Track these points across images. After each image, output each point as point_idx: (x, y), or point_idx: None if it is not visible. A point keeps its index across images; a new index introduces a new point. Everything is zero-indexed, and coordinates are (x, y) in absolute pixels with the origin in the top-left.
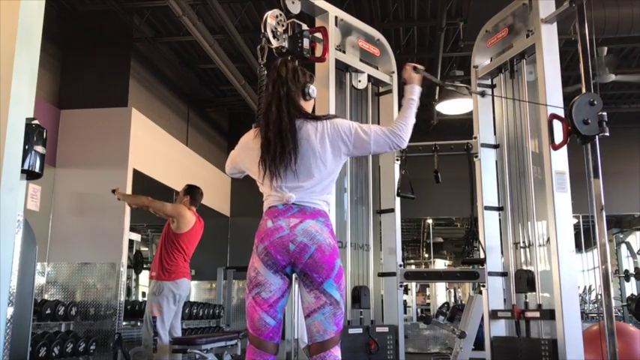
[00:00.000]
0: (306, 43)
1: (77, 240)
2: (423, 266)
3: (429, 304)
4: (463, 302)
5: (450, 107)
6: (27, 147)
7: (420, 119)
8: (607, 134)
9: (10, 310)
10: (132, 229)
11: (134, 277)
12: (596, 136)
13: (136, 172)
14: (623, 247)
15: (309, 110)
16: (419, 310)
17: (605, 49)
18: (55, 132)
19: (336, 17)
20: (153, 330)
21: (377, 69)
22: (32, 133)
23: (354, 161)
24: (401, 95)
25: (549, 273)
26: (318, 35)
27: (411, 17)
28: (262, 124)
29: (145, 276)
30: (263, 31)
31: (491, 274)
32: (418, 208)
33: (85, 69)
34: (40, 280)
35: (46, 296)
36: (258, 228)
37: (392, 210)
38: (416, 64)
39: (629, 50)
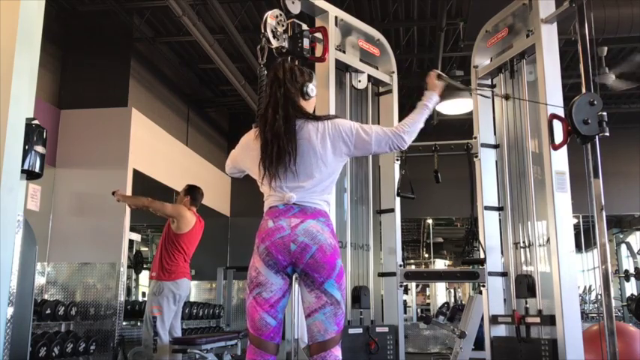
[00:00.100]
0: (306, 43)
1: (77, 240)
2: (423, 266)
3: (429, 304)
4: (463, 302)
5: (450, 107)
6: (27, 147)
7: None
8: (607, 134)
9: (10, 310)
10: (132, 229)
11: (134, 277)
12: (596, 136)
13: (136, 172)
14: (623, 247)
15: (311, 109)
16: (419, 310)
17: (605, 49)
18: (55, 132)
19: (336, 17)
20: (153, 330)
21: (377, 69)
22: (32, 133)
23: (354, 161)
24: (401, 95)
25: (549, 276)
26: (318, 35)
27: (411, 17)
28: (260, 125)
29: (145, 276)
30: (263, 31)
31: (491, 274)
32: (418, 208)
33: (85, 69)
34: (40, 280)
35: (46, 296)
36: (259, 228)
37: (392, 210)
38: (441, 72)
39: (629, 50)
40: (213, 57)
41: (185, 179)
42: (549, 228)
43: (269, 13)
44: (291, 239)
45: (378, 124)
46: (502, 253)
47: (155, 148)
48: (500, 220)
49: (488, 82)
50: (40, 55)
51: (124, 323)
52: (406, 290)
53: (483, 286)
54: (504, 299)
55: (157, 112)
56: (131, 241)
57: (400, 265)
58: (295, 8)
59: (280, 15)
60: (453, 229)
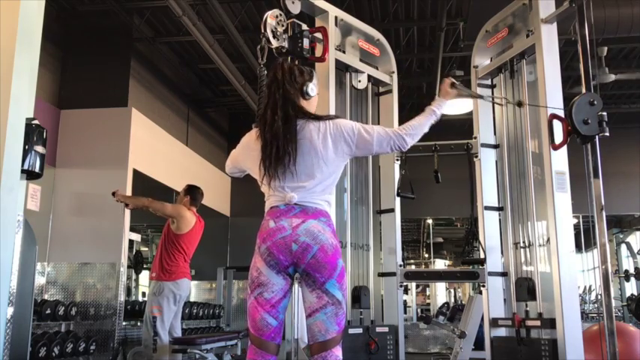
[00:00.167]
0: (306, 43)
1: (77, 240)
2: (423, 266)
3: (429, 304)
4: (463, 302)
5: (449, 107)
6: (27, 147)
7: None
8: (607, 134)
9: (10, 310)
10: (132, 229)
11: (134, 277)
12: (596, 136)
13: (136, 172)
14: (623, 247)
15: (312, 109)
16: (419, 310)
17: (605, 49)
18: (55, 132)
19: (336, 17)
20: (153, 330)
21: (377, 69)
22: (32, 133)
23: (354, 161)
24: (401, 95)
25: (550, 279)
26: (318, 35)
27: (411, 17)
28: (260, 126)
29: (145, 276)
30: (263, 31)
31: (491, 274)
32: (418, 208)
33: (85, 69)
34: (40, 280)
35: (46, 296)
36: (260, 228)
37: (392, 210)
38: (454, 80)
39: (629, 50)
40: (213, 57)
41: (185, 179)
42: (549, 228)
43: (269, 13)
44: (292, 239)
45: (378, 124)
46: (502, 253)
47: (155, 148)
48: (500, 220)
49: (488, 82)
50: (40, 55)
51: (124, 323)
52: (406, 290)
53: (483, 286)
54: (504, 299)
55: (157, 112)
56: (131, 241)
57: (400, 265)
58: (295, 8)
59: (280, 15)
60: (453, 229)
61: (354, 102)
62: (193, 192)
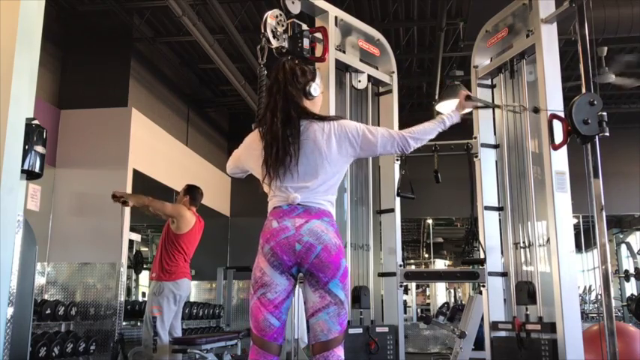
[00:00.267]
0: (306, 43)
1: (77, 240)
2: (423, 266)
3: (429, 304)
4: (463, 302)
5: (449, 107)
6: (27, 147)
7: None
8: (607, 134)
9: (10, 310)
10: (132, 229)
11: (134, 277)
12: (596, 136)
13: (136, 172)
14: (623, 247)
15: (316, 108)
16: (419, 310)
17: (605, 49)
18: (55, 132)
19: (336, 17)
20: (153, 330)
21: (377, 69)
22: (32, 133)
23: (354, 161)
24: (401, 95)
25: (550, 281)
26: (318, 35)
27: (411, 17)
28: (261, 127)
29: (145, 276)
30: (263, 31)
31: (491, 274)
32: (418, 208)
33: (85, 69)
34: (40, 280)
35: (46, 296)
36: (263, 228)
37: (392, 210)
38: (470, 94)
39: (629, 50)
40: (213, 57)
41: (185, 179)
42: (549, 228)
43: (269, 13)
44: (296, 239)
45: (378, 124)
46: (502, 253)
47: (155, 148)
48: (500, 220)
49: (488, 82)
50: (40, 55)
51: (124, 323)
52: (406, 290)
53: (483, 286)
54: (504, 299)
55: (157, 112)
56: (131, 241)
57: (400, 265)
58: (295, 8)
59: (280, 15)
60: (453, 229)
61: (354, 102)
62: (193, 192)
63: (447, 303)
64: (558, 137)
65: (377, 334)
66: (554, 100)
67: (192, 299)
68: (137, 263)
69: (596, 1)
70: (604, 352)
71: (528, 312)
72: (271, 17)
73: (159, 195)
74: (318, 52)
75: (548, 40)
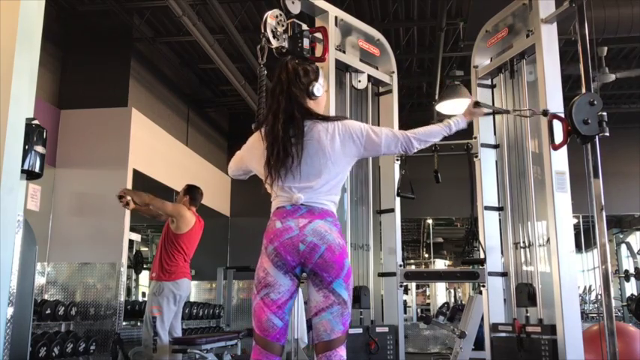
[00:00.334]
0: (306, 43)
1: (77, 240)
2: (423, 266)
3: (429, 304)
4: (463, 302)
5: (449, 107)
6: (27, 147)
7: (420, 119)
8: (607, 134)
9: (10, 310)
10: (132, 229)
11: (134, 277)
12: (596, 136)
13: (136, 172)
14: (623, 247)
15: (320, 108)
16: (419, 310)
17: (605, 49)
18: (55, 132)
19: (336, 17)
20: (153, 330)
21: (377, 69)
22: (32, 133)
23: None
24: (401, 95)
25: (550, 283)
26: (318, 35)
27: (411, 17)
28: (264, 128)
29: (145, 276)
30: (263, 31)
31: (491, 274)
32: (418, 208)
33: (85, 69)
34: (40, 280)
35: (46, 296)
36: (267, 228)
37: (392, 210)
38: (478, 100)
39: (629, 50)
40: (213, 57)
41: (185, 179)
42: (549, 228)
43: (269, 13)
44: (299, 239)
45: (378, 124)
46: (502, 253)
47: (155, 148)
48: (500, 220)
49: (489, 82)
50: (40, 55)
51: (124, 323)
52: (406, 290)
53: (483, 286)
54: (504, 299)
55: (157, 112)
56: (131, 241)
57: (400, 265)
58: (295, 8)
59: (280, 15)
60: (453, 229)
61: (354, 102)
62: (193, 192)
63: (447, 303)
64: (558, 137)
65: (377, 334)
66: (554, 100)
67: (192, 299)
68: (137, 263)
69: (596, 1)
70: (604, 352)
71: (528, 314)
72: (271, 17)
73: (159, 195)
74: (318, 52)
75: (548, 40)
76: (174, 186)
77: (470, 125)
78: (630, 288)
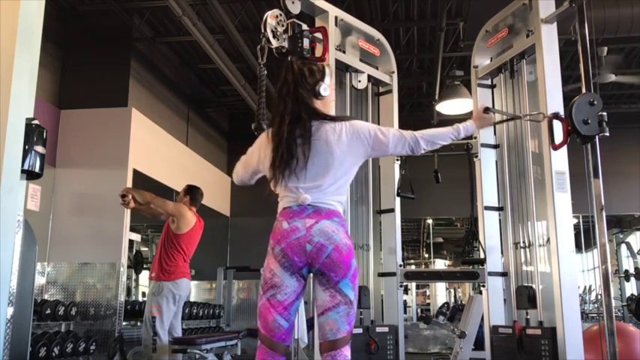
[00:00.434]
0: (306, 43)
1: (77, 240)
2: (423, 266)
3: (429, 304)
4: (463, 302)
5: (449, 107)
6: (27, 147)
7: (420, 119)
8: (607, 134)
9: (10, 310)
10: (132, 229)
11: (134, 277)
12: (596, 136)
13: (136, 172)
14: (623, 247)
15: (328, 108)
16: (419, 310)
17: (605, 49)
18: (55, 132)
19: (336, 17)
20: (152, 330)
21: (377, 69)
22: (32, 133)
23: None
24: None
25: (550, 284)
26: (318, 35)
27: (411, 17)
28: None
29: (145, 276)
30: (263, 31)
31: (491, 274)
32: (418, 208)
33: (85, 69)
34: (40, 280)
35: (46, 296)
36: (273, 229)
37: (392, 210)
38: (489, 107)
39: (629, 50)
40: (213, 57)
41: (185, 179)
42: (549, 228)
43: (269, 13)
44: (306, 240)
45: (378, 124)
46: (502, 253)
47: (155, 148)
48: (500, 220)
49: (489, 82)
50: (40, 55)
51: (124, 323)
52: (406, 290)
53: (483, 286)
54: (504, 299)
55: (157, 112)
56: (131, 241)
57: (400, 265)
58: (295, 8)
59: (280, 15)
60: (453, 229)
61: (354, 102)
62: (193, 192)
63: (447, 303)
64: (558, 137)
65: (377, 334)
66: (554, 100)
67: (192, 299)
68: (137, 263)
69: (596, 1)
70: (604, 352)
71: (529, 316)
72: (271, 17)
73: (159, 195)
74: (318, 52)
75: (548, 40)
76: (174, 186)
77: None
78: (630, 288)
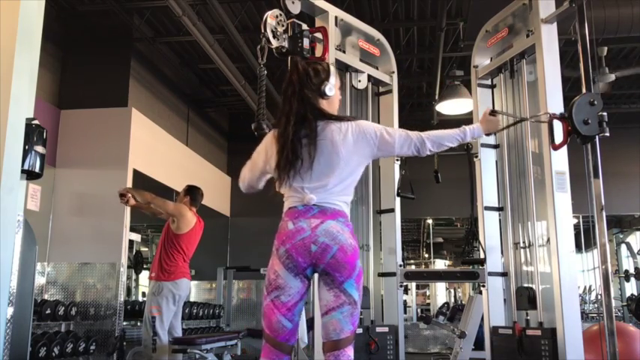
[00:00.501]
0: (306, 43)
1: (77, 240)
2: (423, 266)
3: (429, 304)
4: (463, 302)
5: (450, 107)
6: (27, 147)
7: (420, 119)
8: (607, 134)
9: (10, 310)
10: (132, 229)
11: (134, 277)
12: (596, 136)
13: (136, 172)
14: (623, 247)
15: (334, 107)
16: (419, 310)
17: (605, 49)
18: (55, 132)
19: (336, 17)
20: (152, 330)
21: (377, 69)
22: (32, 133)
23: None
24: (401, 95)
25: (550, 284)
26: (318, 35)
27: (411, 17)
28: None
29: (145, 276)
30: (263, 31)
31: (491, 274)
32: (418, 208)
33: (85, 69)
34: (40, 280)
35: (46, 296)
36: (279, 229)
37: (392, 210)
38: (495, 109)
39: (629, 50)
40: (213, 57)
41: (185, 179)
42: (549, 228)
43: (269, 13)
44: (311, 240)
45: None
46: (502, 253)
47: (155, 148)
48: (500, 220)
49: (489, 82)
50: (40, 55)
51: (124, 323)
52: (406, 290)
53: (483, 286)
54: (504, 299)
55: (157, 112)
56: (131, 241)
57: (400, 265)
58: (295, 8)
59: (280, 15)
60: (453, 229)
61: (354, 102)
62: (193, 192)
63: (447, 303)
64: (558, 137)
65: (377, 334)
66: (554, 100)
67: (192, 299)
68: (137, 263)
69: (596, 1)
70: (604, 352)
71: (529, 317)
72: (271, 17)
73: (159, 195)
74: (318, 52)
75: (548, 40)
76: (174, 186)
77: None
78: (630, 288)
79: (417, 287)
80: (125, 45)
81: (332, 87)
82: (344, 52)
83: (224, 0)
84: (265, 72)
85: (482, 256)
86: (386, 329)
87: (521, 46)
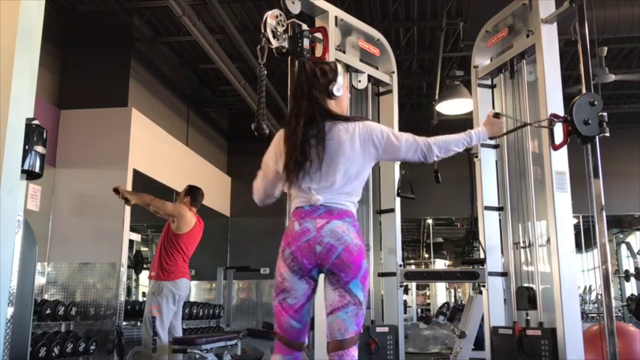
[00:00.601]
0: (306, 43)
1: (77, 240)
2: (423, 266)
3: (429, 304)
4: (463, 302)
5: (449, 107)
6: (27, 147)
7: (420, 119)
8: (607, 134)
9: (10, 310)
10: (132, 229)
11: (134, 277)
12: (597, 137)
13: (136, 172)
14: (623, 247)
15: (342, 107)
16: (419, 310)
17: (605, 49)
18: (55, 132)
19: (336, 17)
20: (152, 330)
21: (377, 69)
22: (32, 133)
23: None
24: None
25: (550, 284)
26: (318, 35)
27: (411, 17)
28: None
29: (145, 276)
30: (263, 31)
31: (491, 274)
32: (418, 208)
33: (85, 69)
34: (40, 280)
35: (46, 296)
36: (286, 230)
37: (392, 210)
38: (498, 112)
39: (629, 50)
40: (213, 57)
41: (185, 179)
42: (549, 228)
43: (269, 13)
44: (316, 241)
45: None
46: (502, 253)
47: (155, 148)
48: (500, 220)
49: (489, 82)
50: (40, 55)
51: (124, 323)
52: (406, 290)
53: (483, 286)
54: (504, 299)
55: (157, 112)
56: (131, 241)
57: (400, 265)
58: (295, 8)
59: (280, 15)
60: (453, 229)
61: (354, 102)
62: (194, 193)
63: (447, 303)
64: (558, 137)
65: (377, 334)
66: (554, 100)
67: (192, 299)
68: (137, 263)
69: (596, 1)
70: (604, 352)
71: (529, 317)
72: (271, 17)
73: (159, 195)
74: (318, 52)
75: (548, 40)
76: (174, 186)
77: (470, 126)
78: (630, 288)
79: (417, 287)
80: (125, 45)
81: (340, 87)
82: (344, 52)
83: (224, 0)
84: (265, 72)
85: (482, 256)
86: (386, 329)
87: (521, 46)
